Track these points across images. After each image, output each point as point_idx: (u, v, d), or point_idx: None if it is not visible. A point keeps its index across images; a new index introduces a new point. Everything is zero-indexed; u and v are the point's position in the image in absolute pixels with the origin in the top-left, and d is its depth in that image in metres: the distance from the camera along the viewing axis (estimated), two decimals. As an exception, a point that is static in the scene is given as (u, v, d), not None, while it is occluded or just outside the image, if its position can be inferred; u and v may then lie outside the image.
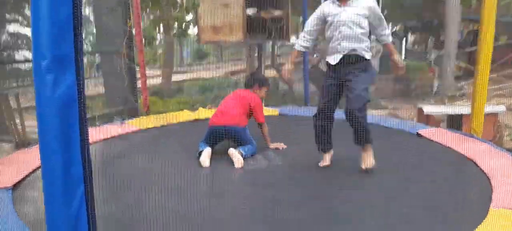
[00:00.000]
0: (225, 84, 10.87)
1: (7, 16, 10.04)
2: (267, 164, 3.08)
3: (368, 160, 2.72)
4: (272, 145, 3.40)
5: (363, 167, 2.74)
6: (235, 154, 3.01)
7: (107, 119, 5.56)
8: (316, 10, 2.79)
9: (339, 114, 2.83)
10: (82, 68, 1.27)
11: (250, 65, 12.09)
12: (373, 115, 5.24)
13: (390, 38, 2.80)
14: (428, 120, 5.19)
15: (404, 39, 14.42)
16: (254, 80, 3.47)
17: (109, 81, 6.63)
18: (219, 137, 3.20)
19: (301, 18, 6.28)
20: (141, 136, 3.93)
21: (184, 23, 6.23)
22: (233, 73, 13.33)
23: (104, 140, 3.70)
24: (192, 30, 8.96)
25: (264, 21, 5.97)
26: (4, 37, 7.89)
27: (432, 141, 3.58)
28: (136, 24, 4.46)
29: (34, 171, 2.93)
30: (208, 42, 6.14)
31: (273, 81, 9.34)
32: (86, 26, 8.39)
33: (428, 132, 3.79)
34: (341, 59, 2.68)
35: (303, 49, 2.86)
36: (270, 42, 7.66)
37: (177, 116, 4.68)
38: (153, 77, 12.45)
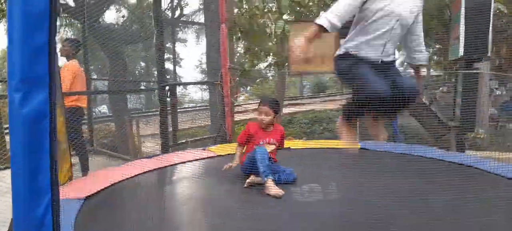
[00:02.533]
0: (336, 117, 10.61)
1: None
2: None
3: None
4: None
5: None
6: (268, 190, 2.92)
7: (202, 144, 6.01)
8: None
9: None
10: (54, 87, 1.44)
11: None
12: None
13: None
14: None
15: None
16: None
17: (213, 111, 7.20)
18: None
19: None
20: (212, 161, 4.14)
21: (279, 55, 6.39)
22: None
23: (177, 163, 4.00)
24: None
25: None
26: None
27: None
28: (223, 58, 4.76)
29: (111, 186, 3.36)
30: (298, 74, 6.14)
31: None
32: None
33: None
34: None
35: (328, 28, 2.14)
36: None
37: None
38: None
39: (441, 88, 14.42)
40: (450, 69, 8.81)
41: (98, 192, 3.22)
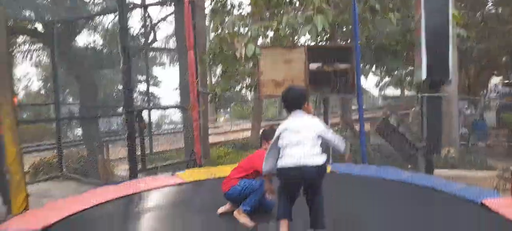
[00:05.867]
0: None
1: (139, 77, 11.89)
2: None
3: None
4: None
5: None
6: (238, 217, 2.93)
7: (174, 168, 5.94)
8: None
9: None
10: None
11: (343, 118, 11.73)
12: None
13: None
14: (522, 186, 4.20)
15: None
16: (261, 137, 3.34)
17: (186, 134, 7.16)
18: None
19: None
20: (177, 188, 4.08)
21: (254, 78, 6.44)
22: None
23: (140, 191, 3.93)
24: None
25: (327, 75, 5.81)
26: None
27: (497, 213, 2.86)
28: (191, 82, 4.76)
29: (69, 216, 3.25)
30: (269, 97, 6.19)
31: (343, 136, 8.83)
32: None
33: (495, 202, 3.04)
34: None
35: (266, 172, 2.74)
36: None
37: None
38: (245, 131, 13.05)
39: (414, 109, 14.75)
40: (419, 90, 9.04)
41: (55, 223, 3.11)
